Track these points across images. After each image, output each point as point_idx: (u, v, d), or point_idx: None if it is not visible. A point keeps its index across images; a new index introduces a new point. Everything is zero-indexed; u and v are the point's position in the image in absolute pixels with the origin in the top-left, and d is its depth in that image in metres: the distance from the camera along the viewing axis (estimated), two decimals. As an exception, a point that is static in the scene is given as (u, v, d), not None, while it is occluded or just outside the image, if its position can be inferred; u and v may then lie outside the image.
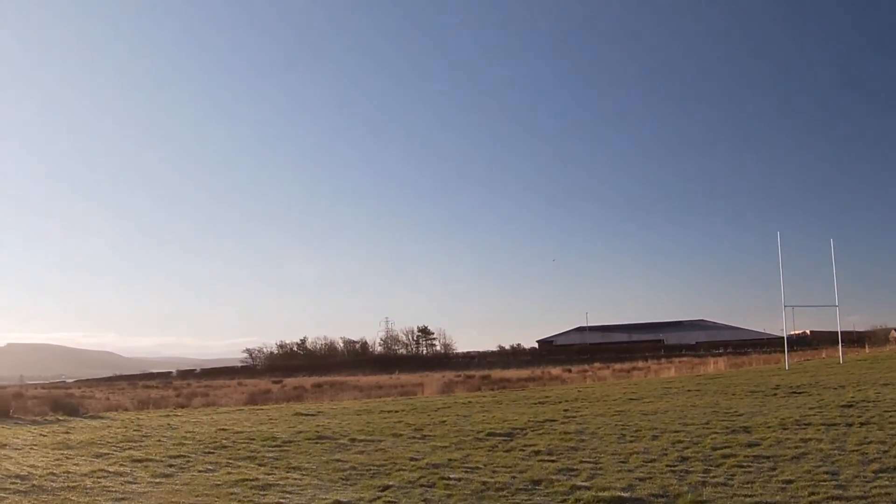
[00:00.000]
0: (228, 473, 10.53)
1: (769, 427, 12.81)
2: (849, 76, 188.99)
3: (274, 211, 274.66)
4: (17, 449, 13.75)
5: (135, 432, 16.04)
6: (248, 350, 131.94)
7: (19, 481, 10.18)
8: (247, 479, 9.97)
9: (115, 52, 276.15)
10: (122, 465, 11.54)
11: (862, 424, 12.55)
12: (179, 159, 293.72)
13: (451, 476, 9.67)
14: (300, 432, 14.91)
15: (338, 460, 11.36)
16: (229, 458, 11.93)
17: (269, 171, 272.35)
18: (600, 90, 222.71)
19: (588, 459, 10.55)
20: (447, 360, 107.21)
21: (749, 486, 8.32)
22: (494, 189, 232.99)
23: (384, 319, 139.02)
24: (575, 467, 9.98)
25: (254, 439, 14.09)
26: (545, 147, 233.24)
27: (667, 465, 9.81)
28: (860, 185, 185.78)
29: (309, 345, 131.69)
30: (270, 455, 12.16)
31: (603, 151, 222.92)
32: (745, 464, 9.66)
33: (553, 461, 10.54)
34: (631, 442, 12.03)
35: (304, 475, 10.26)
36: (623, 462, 10.24)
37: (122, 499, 8.97)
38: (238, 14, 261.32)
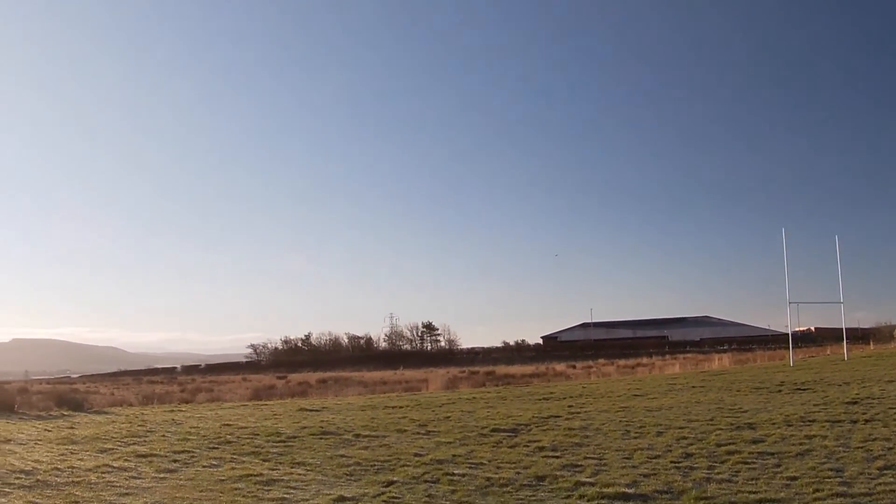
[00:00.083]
0: (233, 469, 10.54)
1: (774, 424, 12.79)
2: (854, 73, 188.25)
3: (278, 206, 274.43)
4: (21, 444, 13.78)
5: (139, 427, 16.07)
6: (252, 346, 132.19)
7: (24, 476, 10.20)
8: (251, 475, 9.98)
9: (119, 47, 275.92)
10: (126, 460, 11.56)
11: (867, 421, 12.53)
12: (184, 155, 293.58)
13: (456, 472, 9.67)
14: (304, 428, 14.92)
15: (342, 456, 11.36)
16: (233, 454, 11.95)
17: (273, 167, 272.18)
18: (604, 87, 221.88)
19: (592, 455, 10.54)
20: (451, 356, 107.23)
21: (753, 482, 8.31)
22: (499, 185, 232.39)
23: (389, 315, 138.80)
24: (579, 463, 9.98)
25: (258, 435, 14.11)
26: (549, 143, 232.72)
27: (671, 462, 9.80)
28: (865, 181, 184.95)
29: (313, 340, 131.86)
30: (275, 450, 12.17)
31: (607, 148, 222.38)
32: (749, 460, 9.64)
33: (557, 457, 10.53)
34: (635, 438, 12.02)
35: (308, 471, 10.26)
36: (627, 458, 10.23)
37: (127, 494, 8.98)
38: (239, 11, 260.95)
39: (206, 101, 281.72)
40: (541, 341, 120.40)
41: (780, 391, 18.93)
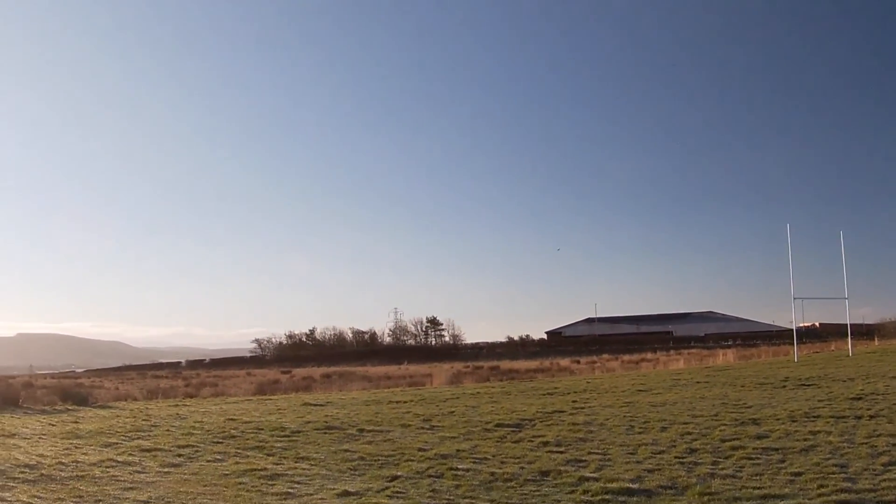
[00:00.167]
0: (237, 463, 10.55)
1: (778, 419, 12.77)
2: (858, 69, 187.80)
3: (283, 203, 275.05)
4: (26, 438, 13.82)
5: (144, 422, 16.09)
6: (257, 340, 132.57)
7: (28, 470, 10.22)
8: (255, 469, 9.99)
9: (119, 46, 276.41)
10: (130, 454, 11.58)
11: (871, 417, 12.51)
12: (187, 151, 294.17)
13: (460, 467, 9.67)
14: (309, 422, 14.93)
15: (346, 450, 11.37)
16: (238, 448, 11.96)
17: (277, 163, 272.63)
18: (606, 85, 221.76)
19: (596, 451, 10.54)
20: (456, 351, 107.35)
21: (758, 478, 8.29)
22: (503, 180, 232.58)
23: (393, 310, 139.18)
24: (583, 458, 9.97)
25: (262, 429, 14.12)
26: (554, 139, 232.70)
27: (675, 457, 9.79)
28: (871, 177, 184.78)
29: (318, 335, 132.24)
30: (279, 445, 12.18)
31: (612, 144, 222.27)
32: (753, 456, 9.63)
33: (561, 452, 10.53)
34: (639, 433, 12.01)
35: (312, 465, 10.27)
36: (631, 453, 10.22)
37: (131, 488, 8.99)
38: (239, 11, 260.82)
39: (209, 100, 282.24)
40: (545, 336, 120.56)
41: (784, 387, 18.90)
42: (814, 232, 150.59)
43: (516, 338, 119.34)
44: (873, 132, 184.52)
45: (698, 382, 21.82)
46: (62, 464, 10.71)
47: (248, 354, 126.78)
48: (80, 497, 8.53)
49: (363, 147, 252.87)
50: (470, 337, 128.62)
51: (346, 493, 8.37)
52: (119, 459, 11.08)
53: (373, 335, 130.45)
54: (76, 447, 12.50)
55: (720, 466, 9.07)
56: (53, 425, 15.98)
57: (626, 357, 56.14)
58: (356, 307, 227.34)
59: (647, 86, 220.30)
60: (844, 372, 22.73)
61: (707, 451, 10.14)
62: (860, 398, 15.21)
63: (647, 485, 8.19)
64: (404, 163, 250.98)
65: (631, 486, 8.13)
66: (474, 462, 10.01)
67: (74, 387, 30.07)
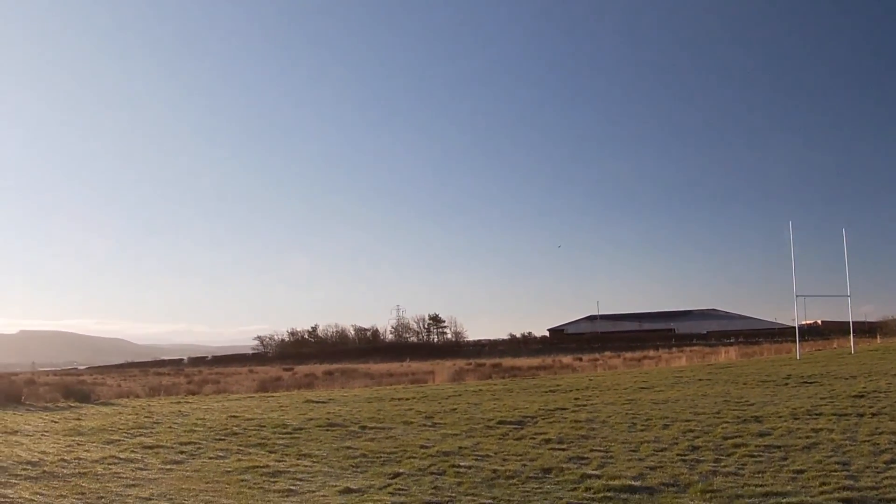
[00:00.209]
0: (239, 460, 10.57)
1: (780, 417, 12.78)
2: (860, 67, 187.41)
3: (285, 199, 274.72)
4: (28, 435, 13.84)
5: (146, 419, 16.12)
6: (259, 337, 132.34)
7: (30, 467, 10.23)
8: (257, 466, 10.00)
9: (119, 45, 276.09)
10: (133, 451, 11.60)
11: (873, 415, 12.51)
12: (188, 149, 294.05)
13: (462, 464, 9.67)
14: (311, 419, 14.95)
15: (348, 447, 11.38)
16: (240, 445, 11.97)
17: (278, 161, 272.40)
18: (608, 83, 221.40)
19: (599, 448, 10.54)
20: (458, 349, 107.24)
21: (760, 475, 8.29)
22: (505, 177, 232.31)
23: (395, 307, 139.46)
24: (585, 456, 9.98)
25: (264, 426, 14.13)
26: (557, 138, 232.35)
27: (677, 454, 9.79)
28: (873, 174, 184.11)
29: (320, 332, 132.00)
30: (281, 442, 12.20)
31: (613, 142, 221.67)
32: (755, 453, 9.63)
33: (564, 449, 10.54)
34: (642, 431, 12.01)
35: (314, 462, 10.28)
36: (634, 451, 10.22)
37: (133, 485, 9.00)
38: (239, 10, 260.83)
39: (210, 99, 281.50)
40: (547, 334, 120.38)
41: (786, 384, 18.90)
42: (816, 229, 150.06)
43: (518, 335, 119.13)
44: (876, 129, 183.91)
45: (700, 380, 21.82)
46: (64, 461, 10.72)
47: (251, 352, 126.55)
48: (83, 494, 8.54)
49: (365, 145, 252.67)
50: (472, 334, 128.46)
51: (348, 490, 8.38)
52: (121, 456, 11.10)
53: (375, 332, 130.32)
54: (78, 444, 12.52)
55: (722, 464, 9.07)
56: (56, 422, 16.01)
57: (629, 354, 56.04)
58: (358, 304, 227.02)
59: (648, 84, 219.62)
60: (847, 370, 22.72)
61: (709, 448, 10.14)
62: (862, 396, 15.20)
63: (649, 482, 8.19)
64: (407, 160, 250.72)
65: (633, 483, 8.13)
66: (476, 459, 10.02)
67: (77, 384, 30.06)
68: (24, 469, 10.11)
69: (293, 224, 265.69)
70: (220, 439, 12.71)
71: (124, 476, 9.59)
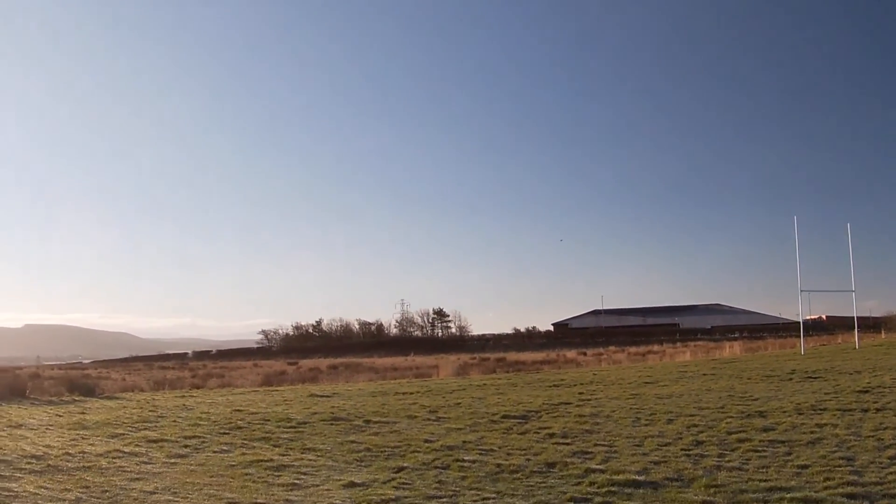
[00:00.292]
0: (243, 454, 10.58)
1: (784, 412, 12.76)
2: (864, 63, 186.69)
3: (289, 193, 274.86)
4: (33, 429, 13.87)
5: (150, 413, 16.15)
6: (263, 331, 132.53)
7: (35, 461, 10.26)
8: (261, 460, 10.02)
9: (126, 37, 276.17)
10: (137, 445, 11.62)
11: (878, 410, 12.49)
12: (193, 142, 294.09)
13: (466, 458, 9.68)
14: (315, 413, 14.96)
15: (352, 442, 11.39)
16: (244, 439, 11.99)
17: (283, 155, 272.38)
18: (612, 80, 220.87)
19: (603, 443, 10.54)
20: (462, 343, 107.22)
21: (764, 470, 8.28)
22: (510, 173, 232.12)
23: (400, 301, 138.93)
24: (589, 450, 9.97)
25: (269, 420, 14.15)
26: (560, 133, 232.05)
27: (681, 449, 9.79)
28: (878, 169, 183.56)
29: (324, 326, 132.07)
30: (285, 436, 12.21)
31: (618, 138, 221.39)
32: (760, 448, 9.62)
33: (568, 444, 10.53)
34: (646, 425, 12.01)
35: (318, 456, 10.29)
36: (638, 445, 10.22)
37: (138, 479, 9.02)
38: (245, 7, 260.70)
39: (216, 92, 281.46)
40: (551, 328, 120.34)
41: (790, 379, 18.88)
42: (820, 225, 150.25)
43: (523, 329, 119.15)
44: (880, 125, 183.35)
45: (705, 375, 21.81)
46: (69, 454, 10.75)
47: (255, 346, 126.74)
48: (87, 488, 8.55)
49: (371, 140, 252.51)
50: (476, 328, 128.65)
51: (352, 485, 8.38)
52: (126, 450, 11.12)
53: (379, 326, 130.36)
54: (83, 438, 12.55)
55: (726, 459, 9.06)
56: (60, 416, 16.05)
57: (633, 349, 56.04)
58: (363, 299, 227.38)
59: (652, 80, 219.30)
60: (851, 365, 22.67)
61: (713, 443, 10.14)
62: (867, 391, 15.17)
63: (653, 477, 8.19)
64: (412, 156, 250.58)
65: (637, 478, 8.13)
66: (480, 453, 10.02)
67: (81, 378, 30.19)
68: (29, 463, 10.13)
69: (298, 218, 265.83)
70: (225, 433, 12.73)
71: (129, 470, 9.61)
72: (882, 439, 9.82)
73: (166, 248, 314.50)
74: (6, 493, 8.24)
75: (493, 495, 7.67)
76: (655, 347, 54.93)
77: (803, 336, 35.41)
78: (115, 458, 10.49)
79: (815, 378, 18.86)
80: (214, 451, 10.94)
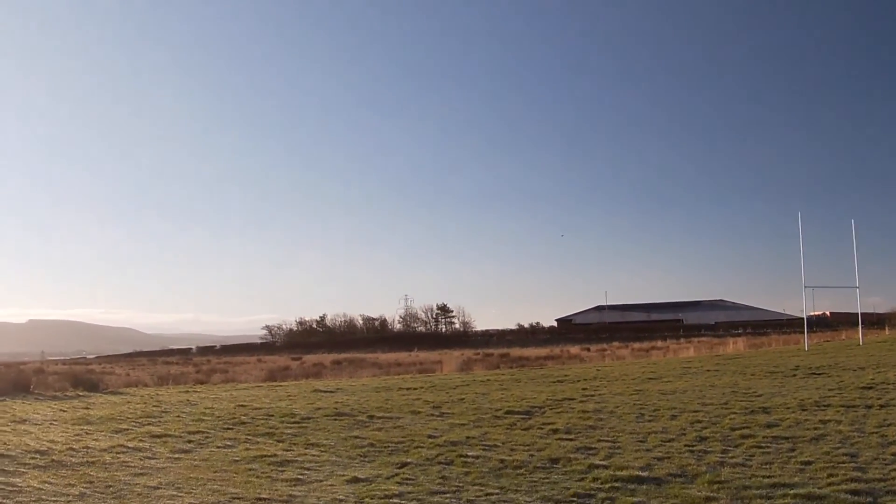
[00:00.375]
0: (247, 449, 10.60)
1: (788, 408, 12.74)
2: (868, 59, 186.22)
3: (293, 190, 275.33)
4: (37, 424, 13.89)
5: (154, 408, 16.17)
6: (267, 327, 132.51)
7: (39, 456, 10.27)
8: (265, 455, 10.03)
9: (130, 37, 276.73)
10: (141, 440, 11.64)
11: (882, 406, 12.46)
12: (197, 139, 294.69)
13: (469, 454, 9.68)
14: (319, 409, 14.98)
15: (356, 437, 11.40)
16: (248, 435, 12.00)
17: (287, 151, 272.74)
18: (616, 76, 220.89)
19: (606, 438, 10.54)
20: (466, 339, 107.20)
21: (767, 466, 8.28)
22: (515, 168, 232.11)
23: (403, 297, 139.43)
24: (593, 446, 9.97)
25: (272, 416, 14.16)
26: (563, 129, 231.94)
27: (685, 445, 9.78)
28: (882, 165, 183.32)
29: (328, 322, 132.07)
30: (289, 431, 12.23)
31: (622, 134, 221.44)
32: (763, 444, 9.61)
33: (571, 440, 10.53)
34: (649, 421, 12.00)
35: (322, 452, 10.30)
36: (641, 441, 10.21)
37: (142, 474, 9.04)
38: (247, 7, 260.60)
39: (220, 90, 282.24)
40: (555, 324, 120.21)
41: (794, 375, 18.85)
42: (825, 221, 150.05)
43: (526, 325, 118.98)
44: (885, 122, 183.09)
45: (708, 371, 21.78)
46: (73, 449, 10.77)
47: (259, 341, 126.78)
48: (91, 483, 8.57)
49: (374, 137, 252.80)
50: (480, 324, 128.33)
51: (355, 480, 8.39)
52: (129, 445, 11.14)
53: (383, 322, 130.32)
54: (87, 433, 12.57)
55: (730, 455, 9.06)
56: (64, 411, 16.07)
57: (637, 345, 56.07)
58: (367, 294, 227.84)
59: (656, 77, 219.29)
60: (855, 361, 22.63)
61: (717, 439, 10.13)
62: (871, 387, 15.15)
63: (656, 473, 8.18)
64: (415, 152, 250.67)
65: (640, 473, 8.12)
66: (484, 449, 10.03)
67: (85, 373, 30.19)
68: (33, 458, 10.15)
69: (302, 214, 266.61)
70: (229, 428, 12.74)
71: (132, 465, 9.62)
72: (886, 436, 9.81)
73: (169, 243, 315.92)
74: (10, 488, 8.26)
75: (497, 491, 7.67)
76: (659, 343, 54.84)
77: (807, 332, 35.35)
78: (118, 453, 10.51)
79: (818, 374, 18.83)
80: (218, 447, 10.95)
